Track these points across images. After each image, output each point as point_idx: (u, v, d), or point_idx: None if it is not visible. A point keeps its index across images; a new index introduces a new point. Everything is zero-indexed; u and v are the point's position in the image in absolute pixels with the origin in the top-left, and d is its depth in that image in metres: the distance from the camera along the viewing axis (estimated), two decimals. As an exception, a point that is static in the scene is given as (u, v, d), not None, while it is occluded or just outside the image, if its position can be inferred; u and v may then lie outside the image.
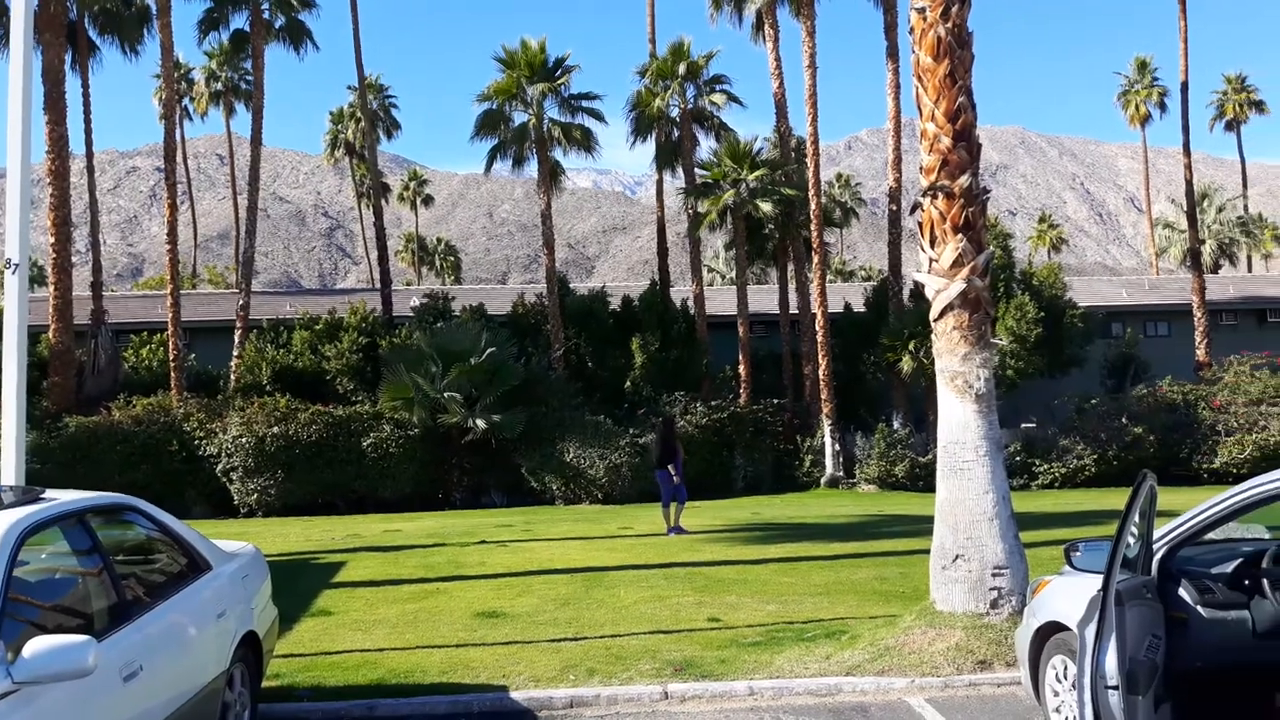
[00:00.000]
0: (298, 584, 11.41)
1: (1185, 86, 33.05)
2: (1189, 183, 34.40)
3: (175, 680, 4.41)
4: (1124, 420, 25.70)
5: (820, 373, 26.61)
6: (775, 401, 27.30)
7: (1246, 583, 4.63)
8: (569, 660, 7.39)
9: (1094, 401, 27.14)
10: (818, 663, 7.11)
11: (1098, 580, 4.83)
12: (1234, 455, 24.99)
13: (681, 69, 29.56)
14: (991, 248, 8.31)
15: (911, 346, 26.00)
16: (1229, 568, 4.77)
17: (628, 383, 28.31)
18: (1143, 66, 52.42)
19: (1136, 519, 4.26)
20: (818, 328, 26.88)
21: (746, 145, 29.67)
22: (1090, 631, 4.10)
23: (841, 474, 25.91)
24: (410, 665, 7.40)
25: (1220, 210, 51.22)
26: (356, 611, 9.69)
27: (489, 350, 23.65)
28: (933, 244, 7.67)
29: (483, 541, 14.99)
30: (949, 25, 7.62)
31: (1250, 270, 56.34)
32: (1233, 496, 4.43)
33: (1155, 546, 4.68)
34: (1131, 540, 4.33)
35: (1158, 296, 38.49)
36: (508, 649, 7.83)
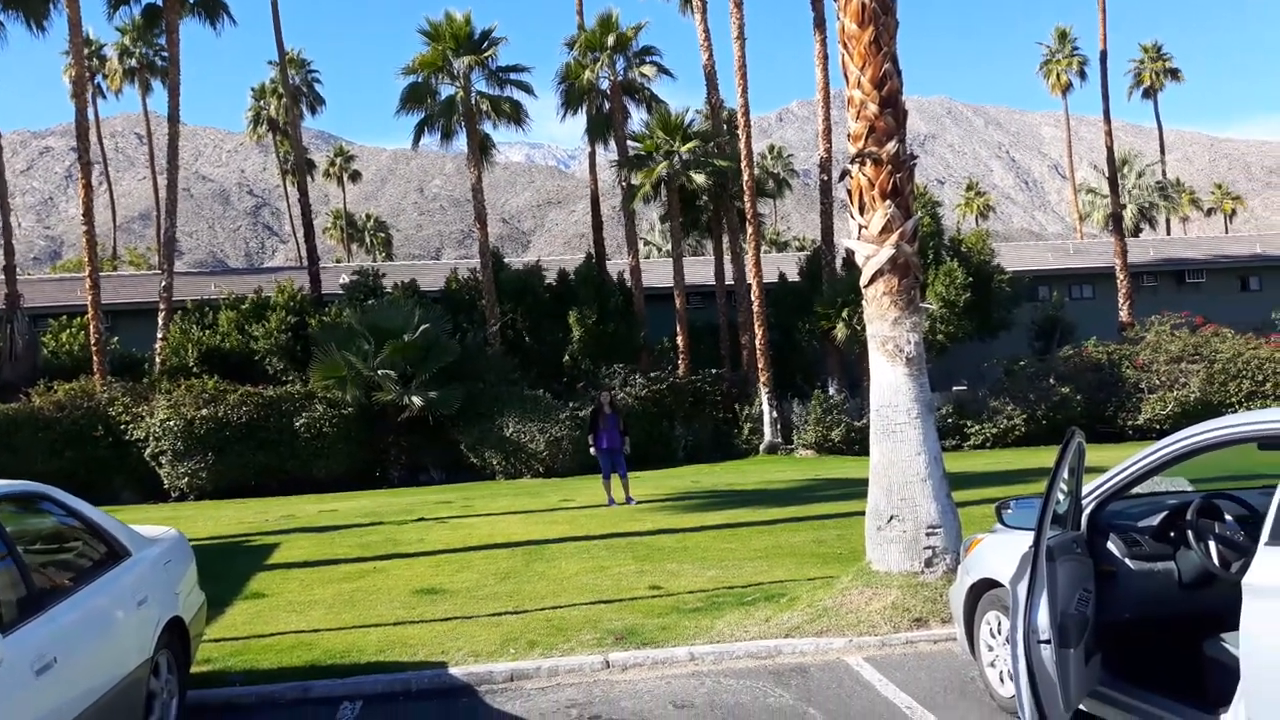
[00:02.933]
0: (231, 567, 11.17)
1: (1104, 55, 33.73)
2: (1110, 149, 35.17)
3: (94, 671, 4.24)
4: (1052, 380, 26.33)
5: (757, 342, 26.78)
6: (713, 371, 27.44)
7: (1172, 535, 4.73)
8: (509, 633, 7.33)
9: (1022, 363, 27.75)
10: (757, 625, 7.15)
11: (1029, 537, 4.91)
12: (1157, 412, 25.80)
13: (610, 41, 29.28)
14: (919, 213, 8.36)
15: (845, 314, 26.29)
16: (1155, 520, 4.88)
17: (566, 356, 28.19)
18: (1063, 36, 53.31)
19: (1065, 476, 4.32)
20: (753, 297, 27.01)
21: (678, 117, 29.57)
22: (1022, 588, 4.16)
23: (780, 440, 26.18)
24: (347, 645, 7.28)
25: (1140, 175, 52.59)
26: (291, 593, 9.50)
27: (422, 327, 23.32)
28: (862, 210, 7.69)
29: (421, 519, 14.84)
30: (874, -10, 7.60)
31: (1169, 233, 58.04)
32: (1157, 451, 4.52)
33: (1084, 502, 4.76)
34: (1061, 496, 4.39)
35: (1082, 260, 39.46)
36: (447, 625, 7.74)
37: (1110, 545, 4.76)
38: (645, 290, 30.27)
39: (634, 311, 29.41)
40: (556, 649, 6.86)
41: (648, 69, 29.77)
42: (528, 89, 28.61)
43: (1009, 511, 5.02)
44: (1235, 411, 26.06)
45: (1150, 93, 56.86)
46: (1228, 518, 4.68)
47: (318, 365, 23.40)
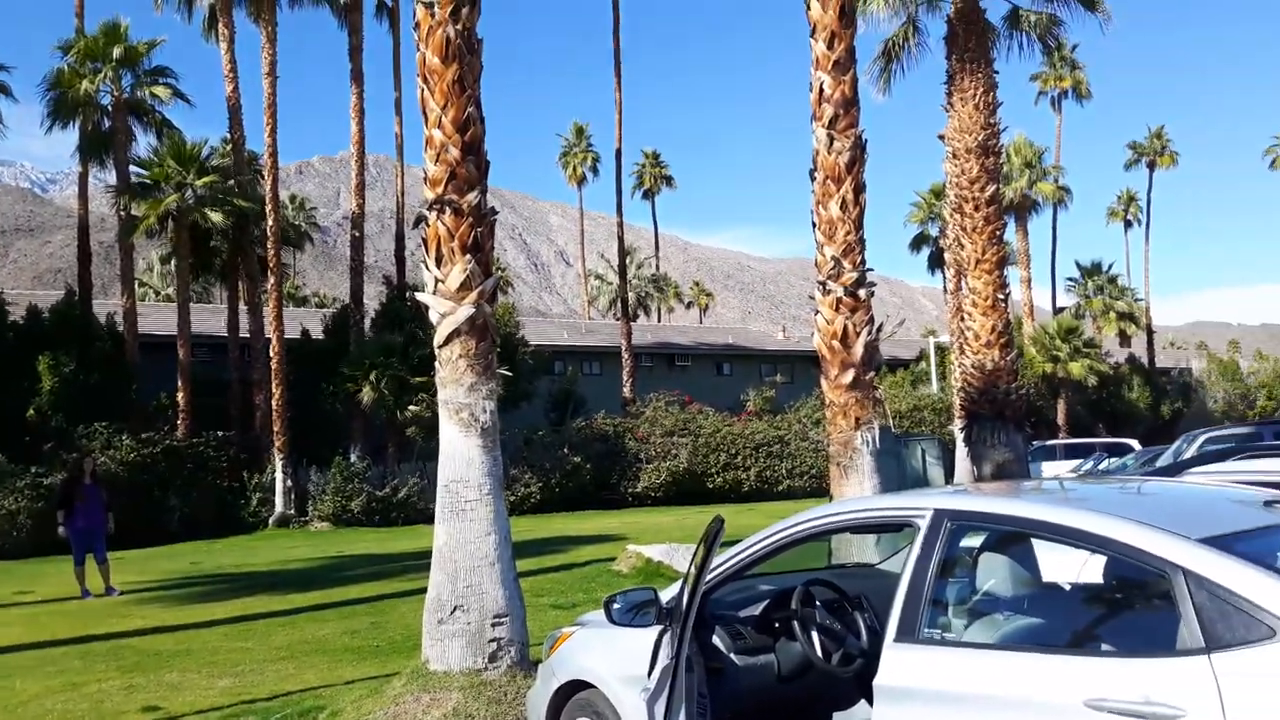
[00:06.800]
0: None
1: (619, 154, 36.91)
2: (621, 240, 38.39)
3: None
4: (565, 450, 27.53)
5: (274, 402, 24.52)
6: (220, 434, 24.62)
7: (777, 625, 4.51)
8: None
9: (540, 433, 28.72)
10: (294, 752, 5.89)
11: (631, 634, 4.42)
12: (653, 480, 28.30)
13: (117, 52, 25.68)
14: (498, 273, 7.87)
15: (373, 377, 25.10)
16: (757, 610, 4.65)
17: (32, 411, 23.52)
18: (580, 132, 57.75)
19: (693, 570, 3.89)
20: (273, 354, 24.81)
21: (195, 147, 26.65)
22: (660, 706, 3.62)
23: (293, 512, 24.09)
24: None
25: (639, 268, 58.36)
26: None
27: None
28: (439, 263, 6.95)
29: None
30: (459, 27, 7.02)
31: (659, 321, 64.92)
32: (771, 536, 4.29)
33: (685, 590, 4.39)
34: (676, 588, 3.98)
35: (593, 339, 42.38)
36: None
37: (716, 640, 4.43)
38: (142, 338, 26.54)
39: (125, 361, 25.52)
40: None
41: (161, 90, 26.51)
42: (4, 89, 23.95)
43: (617, 606, 4.50)
44: (715, 480, 29.55)
45: (649, 194, 63.54)
46: (817, 603, 4.58)
47: None
